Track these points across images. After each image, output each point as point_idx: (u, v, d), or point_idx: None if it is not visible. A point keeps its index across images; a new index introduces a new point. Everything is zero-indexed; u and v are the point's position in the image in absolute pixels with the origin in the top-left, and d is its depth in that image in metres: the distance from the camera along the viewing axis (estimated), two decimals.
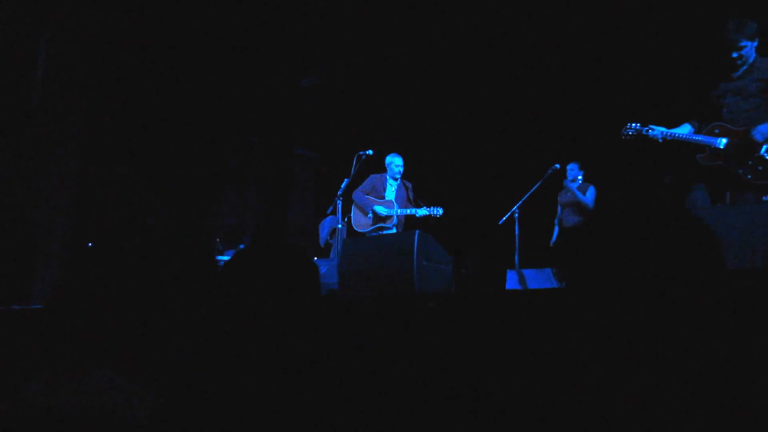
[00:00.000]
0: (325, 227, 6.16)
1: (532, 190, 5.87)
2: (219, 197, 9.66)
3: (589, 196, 6.07)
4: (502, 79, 7.47)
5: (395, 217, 5.47)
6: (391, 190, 5.69)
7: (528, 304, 2.25)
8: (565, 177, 6.21)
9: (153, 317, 1.26)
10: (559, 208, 6.39)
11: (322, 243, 6.17)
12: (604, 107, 6.28)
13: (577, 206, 6.14)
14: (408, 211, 5.42)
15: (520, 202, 5.85)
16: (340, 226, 5.55)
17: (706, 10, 4.82)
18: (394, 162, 5.65)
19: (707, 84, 3.84)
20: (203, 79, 8.38)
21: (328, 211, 5.75)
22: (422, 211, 5.31)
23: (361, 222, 5.59)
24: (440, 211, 5.24)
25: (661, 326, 0.87)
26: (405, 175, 5.76)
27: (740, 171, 3.52)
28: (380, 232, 5.50)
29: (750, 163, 3.49)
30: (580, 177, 6.20)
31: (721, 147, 3.58)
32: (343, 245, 4.03)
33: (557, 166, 6.03)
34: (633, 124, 3.90)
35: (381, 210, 5.46)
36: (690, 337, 0.85)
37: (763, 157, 3.45)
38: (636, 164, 5.81)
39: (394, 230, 5.50)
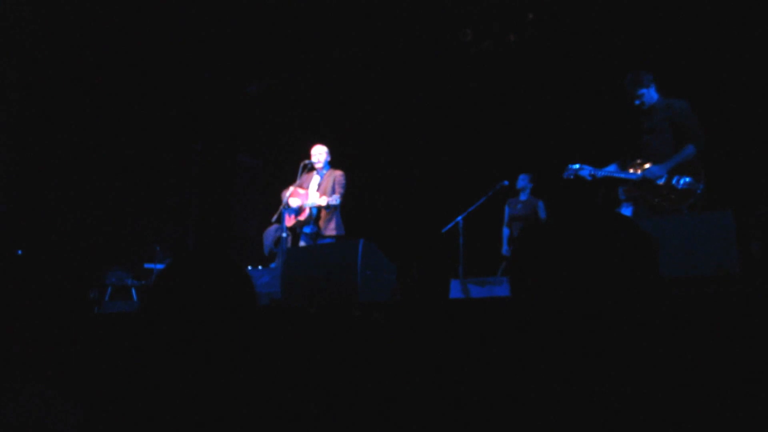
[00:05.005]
0: (269, 236, 6.08)
1: (477, 204, 5.96)
2: (160, 204, 9.40)
3: (541, 213, 6.28)
4: (451, 89, 7.59)
5: (308, 210, 5.47)
6: (314, 183, 5.69)
7: (471, 312, 2.28)
8: (512, 191, 6.39)
9: (82, 328, 1.21)
10: (506, 216, 6.52)
11: (266, 252, 6.08)
12: (547, 132, 6.56)
13: (524, 220, 6.30)
14: (307, 204, 5.44)
15: (464, 213, 5.92)
16: (284, 235, 5.50)
17: (625, 62, 5.14)
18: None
19: (629, 127, 4.36)
20: (146, 83, 8.17)
21: (273, 220, 5.70)
22: (321, 201, 5.29)
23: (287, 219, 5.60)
24: (337, 200, 5.23)
25: (600, 332, 0.89)
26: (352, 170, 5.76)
27: (656, 200, 4.00)
28: (303, 228, 5.51)
29: (663, 192, 3.98)
30: (528, 189, 6.39)
31: (638, 179, 4.08)
32: (287, 254, 3.99)
33: (506, 182, 6.18)
34: (571, 167, 4.38)
35: (290, 210, 5.50)
36: (626, 342, 0.88)
37: (674, 186, 3.94)
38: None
39: (311, 225, 5.49)
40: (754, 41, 5.38)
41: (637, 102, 4.18)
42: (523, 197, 6.38)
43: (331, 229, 5.45)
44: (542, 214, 6.29)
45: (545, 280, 0.90)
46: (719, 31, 5.57)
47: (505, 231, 6.57)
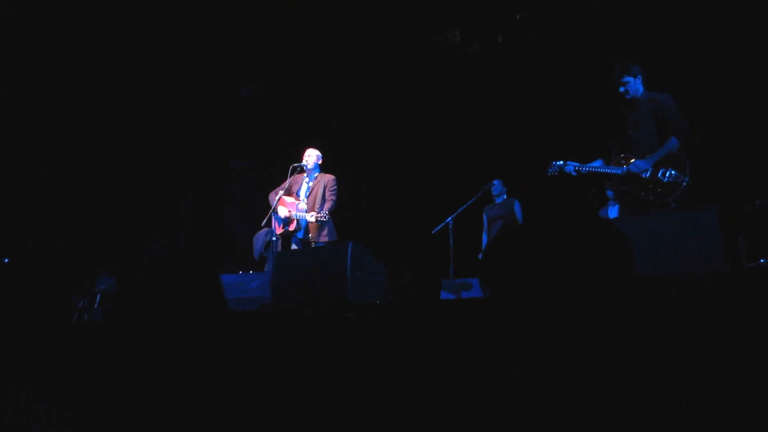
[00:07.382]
0: (259, 240, 6.06)
1: (467, 204, 6.01)
2: (151, 210, 9.35)
3: (518, 212, 6.35)
4: (440, 91, 7.61)
5: (296, 221, 5.39)
6: (304, 188, 5.60)
7: (462, 313, 2.28)
8: (488, 198, 6.52)
9: (65, 336, 1.20)
10: (485, 221, 6.57)
11: (256, 256, 6.07)
12: (535, 133, 6.61)
13: (503, 219, 6.34)
14: (296, 215, 5.36)
15: (454, 214, 5.95)
16: (274, 238, 5.48)
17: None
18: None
19: (615, 122, 4.33)
20: (138, 87, 8.13)
21: (263, 224, 5.67)
22: (309, 218, 5.16)
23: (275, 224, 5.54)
24: (325, 216, 5.11)
25: (574, 328, 0.89)
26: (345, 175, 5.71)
27: (642, 194, 3.96)
28: (296, 236, 5.46)
29: (650, 186, 3.93)
30: (504, 195, 6.50)
31: (622, 173, 4.04)
32: (277, 258, 3.98)
33: (495, 182, 6.30)
34: (555, 163, 4.35)
35: (278, 218, 5.44)
36: (599, 340, 0.88)
37: (660, 180, 3.89)
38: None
39: (301, 232, 5.44)
40: (744, 41, 5.43)
41: (621, 89, 4.18)
42: (498, 201, 6.50)
43: (323, 236, 5.33)
44: (518, 212, 6.37)
45: (521, 279, 0.90)
46: (708, 30, 5.62)
47: (484, 238, 6.57)
